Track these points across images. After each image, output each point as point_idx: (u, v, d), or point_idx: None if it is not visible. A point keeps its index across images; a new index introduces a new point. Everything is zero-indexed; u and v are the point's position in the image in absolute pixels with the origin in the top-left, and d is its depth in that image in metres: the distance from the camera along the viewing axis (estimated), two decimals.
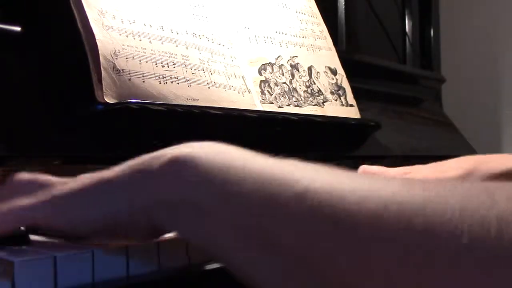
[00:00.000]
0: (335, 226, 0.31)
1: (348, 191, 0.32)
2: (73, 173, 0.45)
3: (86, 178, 0.42)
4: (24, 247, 0.45)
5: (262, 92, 0.83)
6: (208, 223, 0.36)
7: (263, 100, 0.83)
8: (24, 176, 0.47)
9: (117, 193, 0.40)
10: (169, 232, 0.43)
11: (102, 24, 0.68)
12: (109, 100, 0.65)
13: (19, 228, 0.46)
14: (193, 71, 0.75)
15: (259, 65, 0.86)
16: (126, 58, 0.68)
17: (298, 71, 0.90)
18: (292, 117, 0.84)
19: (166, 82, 0.71)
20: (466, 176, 0.79)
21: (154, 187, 0.39)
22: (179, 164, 0.37)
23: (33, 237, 0.49)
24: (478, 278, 0.28)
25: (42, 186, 0.44)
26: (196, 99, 0.73)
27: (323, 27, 1.00)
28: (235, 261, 0.36)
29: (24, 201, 0.43)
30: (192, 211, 0.37)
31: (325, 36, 0.99)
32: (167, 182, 0.38)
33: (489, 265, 0.28)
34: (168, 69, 0.72)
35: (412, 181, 0.33)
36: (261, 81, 0.84)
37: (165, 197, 0.38)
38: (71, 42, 0.68)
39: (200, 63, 0.76)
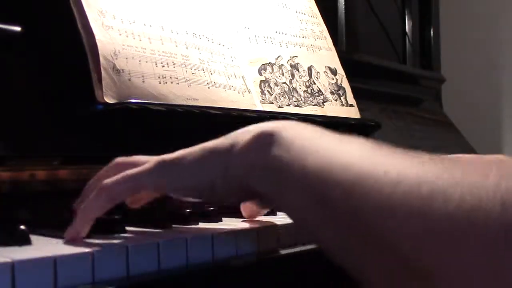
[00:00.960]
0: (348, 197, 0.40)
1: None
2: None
3: (187, 149, 0.49)
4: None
5: (262, 92, 0.83)
6: (285, 185, 0.44)
7: (263, 100, 0.83)
8: (125, 158, 0.53)
9: (214, 160, 0.47)
10: (259, 193, 0.48)
11: (102, 24, 0.68)
12: (109, 100, 0.65)
13: (129, 195, 0.51)
14: (193, 71, 0.75)
15: (259, 65, 0.86)
16: (126, 58, 0.68)
17: (298, 71, 0.90)
18: (292, 117, 0.84)
19: (166, 82, 0.71)
20: None
21: (243, 157, 0.46)
22: (263, 138, 0.45)
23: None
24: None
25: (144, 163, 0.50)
26: (196, 99, 0.73)
27: (323, 27, 1.00)
28: (305, 220, 0.44)
29: (134, 170, 0.49)
30: (273, 175, 0.44)
31: (325, 36, 0.99)
32: (255, 152, 0.45)
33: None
34: (168, 69, 0.72)
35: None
36: (261, 81, 0.84)
37: (254, 164, 0.45)
38: (71, 42, 0.68)
39: (200, 63, 0.76)
